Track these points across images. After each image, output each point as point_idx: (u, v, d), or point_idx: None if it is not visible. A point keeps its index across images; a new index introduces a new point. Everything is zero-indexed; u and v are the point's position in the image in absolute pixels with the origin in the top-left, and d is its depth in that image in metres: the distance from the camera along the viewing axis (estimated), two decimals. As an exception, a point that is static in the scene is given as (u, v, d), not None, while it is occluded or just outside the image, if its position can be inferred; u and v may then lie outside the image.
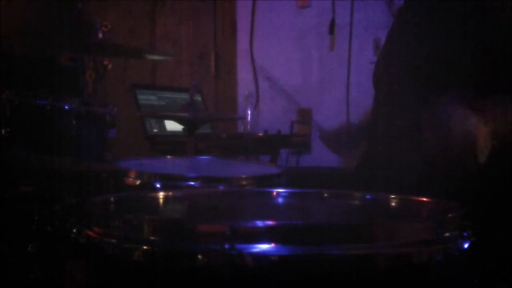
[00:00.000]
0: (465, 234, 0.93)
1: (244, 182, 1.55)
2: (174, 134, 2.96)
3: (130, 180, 1.54)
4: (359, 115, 1.91)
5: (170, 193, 1.33)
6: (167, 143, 2.93)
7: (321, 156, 2.89)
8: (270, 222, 0.84)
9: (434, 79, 1.51)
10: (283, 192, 1.31)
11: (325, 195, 1.30)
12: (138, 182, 1.53)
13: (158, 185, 1.49)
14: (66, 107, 1.70)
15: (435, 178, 1.49)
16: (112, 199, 1.15)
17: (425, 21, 1.58)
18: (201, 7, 3.78)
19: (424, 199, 1.14)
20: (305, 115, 3.57)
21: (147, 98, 3.08)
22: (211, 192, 1.42)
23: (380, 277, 0.85)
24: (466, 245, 0.92)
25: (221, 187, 1.49)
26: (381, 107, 1.70)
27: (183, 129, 1.98)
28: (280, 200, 1.31)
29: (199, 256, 0.82)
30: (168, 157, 2.07)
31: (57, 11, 2.20)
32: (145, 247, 0.87)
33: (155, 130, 3.00)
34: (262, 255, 0.81)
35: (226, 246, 0.80)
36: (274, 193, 1.32)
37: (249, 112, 3.52)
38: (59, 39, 2.00)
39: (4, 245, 1.55)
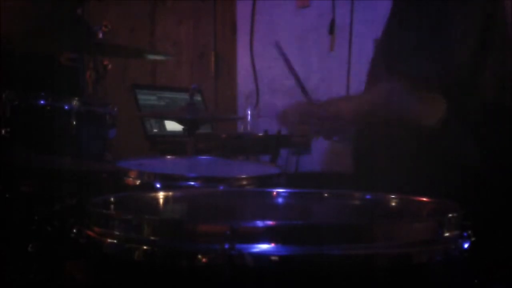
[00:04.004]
0: (465, 234, 0.93)
1: (244, 182, 1.55)
2: (174, 134, 2.96)
3: (130, 180, 1.54)
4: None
5: (170, 193, 1.33)
6: (167, 143, 2.92)
7: (321, 156, 2.89)
8: (270, 222, 0.84)
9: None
10: (283, 192, 1.31)
11: (325, 195, 1.30)
12: (138, 182, 1.53)
13: (158, 185, 1.49)
14: (66, 107, 1.69)
15: (435, 178, 1.49)
16: (112, 199, 1.14)
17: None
18: (201, 7, 3.78)
19: (424, 199, 1.14)
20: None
21: (147, 98, 3.07)
22: (211, 192, 1.42)
23: (380, 277, 0.85)
24: (466, 245, 0.92)
25: (221, 187, 1.49)
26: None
27: (183, 129, 1.97)
28: (280, 200, 1.31)
29: (199, 256, 0.82)
30: (168, 157, 2.07)
31: (57, 11, 2.20)
32: (145, 247, 0.87)
33: (155, 130, 2.99)
34: (262, 255, 0.81)
35: (226, 246, 0.80)
36: (274, 193, 1.32)
37: (249, 112, 3.52)
38: (59, 39, 1.99)
39: (4, 245, 1.55)
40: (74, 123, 1.69)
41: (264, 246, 0.82)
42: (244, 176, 1.59)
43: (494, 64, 1.54)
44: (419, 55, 1.50)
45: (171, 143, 2.90)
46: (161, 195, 1.32)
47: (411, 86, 1.49)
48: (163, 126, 3.03)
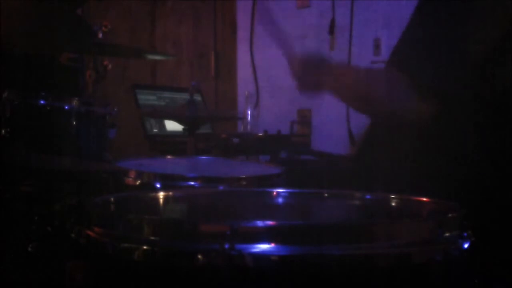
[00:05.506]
0: (465, 234, 0.93)
1: (244, 182, 1.54)
2: (174, 134, 2.96)
3: (130, 180, 1.54)
4: (359, 114, 1.90)
5: (170, 193, 1.33)
6: (167, 143, 2.93)
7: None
8: (270, 222, 0.84)
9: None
10: (283, 192, 1.31)
11: (325, 195, 1.30)
12: (138, 182, 1.53)
13: (158, 185, 1.49)
14: (66, 107, 1.70)
15: (434, 178, 1.49)
16: (112, 199, 1.14)
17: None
18: (201, 7, 3.79)
19: (424, 199, 1.14)
20: (305, 115, 3.57)
21: (147, 98, 3.08)
22: (211, 192, 1.42)
23: (380, 277, 0.85)
24: (466, 245, 0.92)
25: (221, 187, 1.49)
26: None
27: (183, 129, 1.98)
28: (280, 200, 1.31)
29: (199, 256, 0.82)
30: (168, 157, 2.07)
31: (57, 11, 2.20)
32: (145, 247, 0.87)
33: (155, 130, 3.00)
34: (262, 255, 0.81)
35: (226, 246, 0.80)
36: (274, 193, 1.32)
37: (249, 112, 3.52)
38: (59, 39, 2.00)
39: (4, 245, 1.55)
40: (74, 123, 1.70)
41: (264, 246, 0.81)
42: (244, 176, 1.59)
43: (497, 64, 1.53)
44: (427, 56, 1.49)
45: (171, 143, 2.90)
46: (161, 195, 1.32)
47: (414, 84, 1.48)
48: (163, 126, 3.03)
